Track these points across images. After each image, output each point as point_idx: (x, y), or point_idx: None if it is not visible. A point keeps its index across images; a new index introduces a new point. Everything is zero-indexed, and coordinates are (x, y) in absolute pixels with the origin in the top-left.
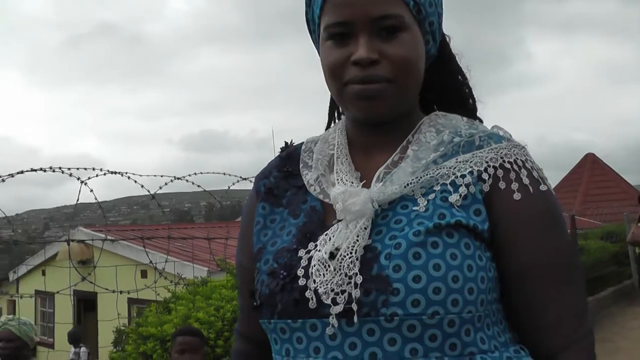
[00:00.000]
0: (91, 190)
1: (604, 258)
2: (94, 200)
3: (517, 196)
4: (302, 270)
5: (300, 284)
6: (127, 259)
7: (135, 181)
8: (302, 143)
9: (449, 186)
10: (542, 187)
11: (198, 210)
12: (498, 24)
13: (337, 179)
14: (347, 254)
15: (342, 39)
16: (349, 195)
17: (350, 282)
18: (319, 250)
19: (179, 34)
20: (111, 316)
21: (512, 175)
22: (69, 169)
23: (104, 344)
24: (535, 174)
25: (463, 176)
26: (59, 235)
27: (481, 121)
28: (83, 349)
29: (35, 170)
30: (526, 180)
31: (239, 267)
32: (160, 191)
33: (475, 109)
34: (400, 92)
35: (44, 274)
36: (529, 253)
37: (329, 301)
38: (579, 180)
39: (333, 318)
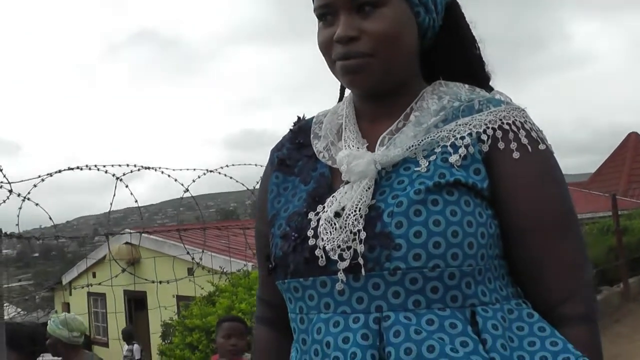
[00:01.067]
0: (126, 186)
1: None
2: (140, 204)
3: (516, 155)
4: (312, 231)
5: (310, 243)
6: (176, 257)
7: (169, 175)
8: (314, 117)
9: (449, 148)
10: (541, 147)
11: (244, 209)
12: (536, 5)
13: (345, 146)
14: (352, 213)
15: (329, 19)
16: (353, 157)
17: (355, 239)
18: (326, 211)
19: (217, 34)
20: (160, 313)
21: (511, 135)
22: (104, 166)
23: (155, 339)
24: (534, 134)
25: (462, 138)
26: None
27: (491, 90)
28: (136, 345)
29: (72, 169)
30: (525, 140)
31: (257, 235)
32: (205, 192)
33: (486, 79)
34: (384, 65)
35: (94, 276)
36: (528, 210)
37: (335, 257)
38: (623, 161)
39: (341, 273)
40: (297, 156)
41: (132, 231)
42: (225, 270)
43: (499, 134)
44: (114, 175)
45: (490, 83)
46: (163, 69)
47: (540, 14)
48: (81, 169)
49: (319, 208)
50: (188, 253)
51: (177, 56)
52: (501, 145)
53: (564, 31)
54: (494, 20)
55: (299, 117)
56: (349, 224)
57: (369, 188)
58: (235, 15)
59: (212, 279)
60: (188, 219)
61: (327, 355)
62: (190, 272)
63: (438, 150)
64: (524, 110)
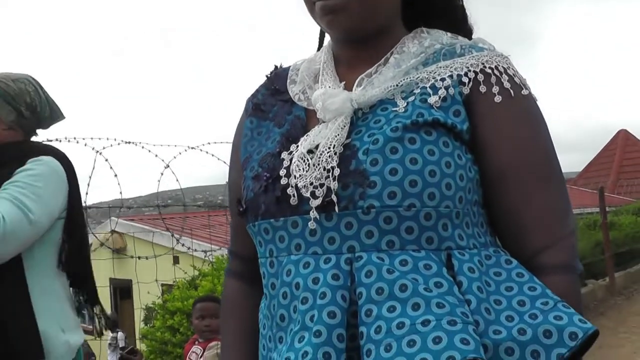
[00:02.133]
0: (106, 160)
1: (636, 233)
2: (128, 197)
3: (497, 99)
4: (284, 170)
5: (282, 183)
6: (161, 246)
7: (149, 150)
8: (290, 65)
9: (428, 89)
10: (524, 92)
11: None
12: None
13: (321, 87)
14: (326, 150)
15: None
16: (328, 95)
17: (328, 176)
18: (299, 149)
19: (218, 28)
20: (145, 301)
21: (493, 79)
22: (83, 139)
23: (139, 326)
24: (517, 79)
25: (443, 79)
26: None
27: None
28: (120, 333)
29: (51, 141)
30: (507, 85)
31: (230, 184)
32: (194, 184)
33: (469, 31)
34: (365, 6)
35: None
36: (509, 153)
37: (308, 194)
38: (612, 158)
39: (313, 211)
40: (272, 101)
41: (111, 206)
42: (208, 255)
43: (480, 77)
44: (93, 148)
45: None
46: (170, 66)
47: (530, 10)
48: (60, 141)
49: (293, 147)
50: (168, 230)
51: (183, 54)
52: (482, 88)
53: (555, 27)
54: (487, 17)
55: (275, 66)
56: (322, 160)
57: (344, 126)
58: (232, 8)
59: (193, 262)
60: (175, 210)
61: (295, 297)
62: (177, 260)
63: (417, 91)
64: (507, 57)
